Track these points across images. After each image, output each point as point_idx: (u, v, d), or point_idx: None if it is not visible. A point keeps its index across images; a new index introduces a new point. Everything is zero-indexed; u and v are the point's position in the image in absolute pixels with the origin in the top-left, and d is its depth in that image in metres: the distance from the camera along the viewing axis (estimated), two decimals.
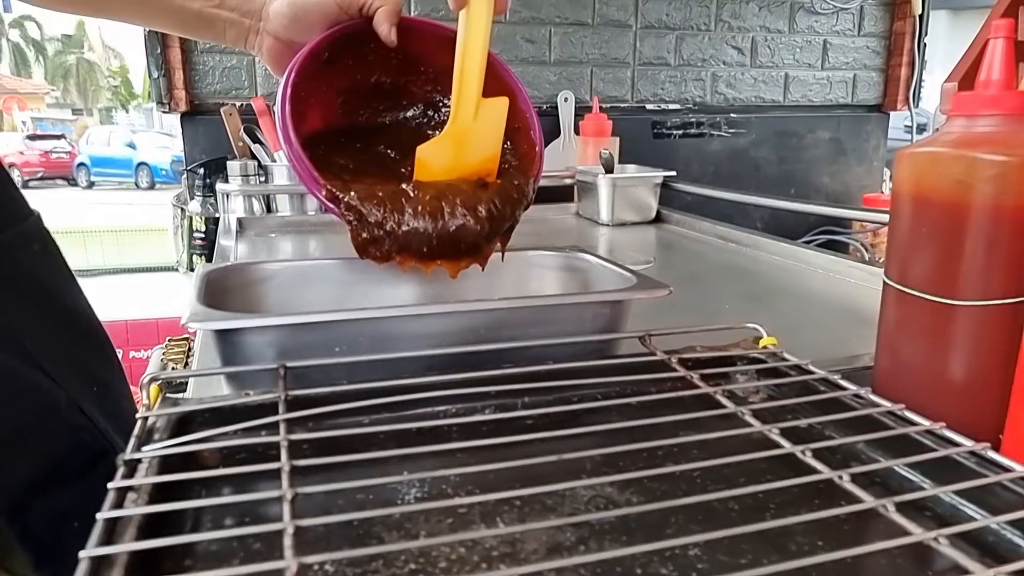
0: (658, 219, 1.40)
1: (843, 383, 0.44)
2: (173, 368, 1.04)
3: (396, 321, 0.49)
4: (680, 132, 1.86)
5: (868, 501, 0.31)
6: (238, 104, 1.51)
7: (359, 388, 0.42)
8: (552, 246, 0.68)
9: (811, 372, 0.46)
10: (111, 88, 25.32)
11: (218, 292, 0.55)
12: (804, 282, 0.95)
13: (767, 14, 1.89)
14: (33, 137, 14.47)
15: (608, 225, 1.36)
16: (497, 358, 0.47)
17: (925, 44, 1.93)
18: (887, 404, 0.41)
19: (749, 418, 0.40)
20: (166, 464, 0.35)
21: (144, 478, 0.33)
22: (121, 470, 0.33)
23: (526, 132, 0.63)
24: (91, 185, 13.77)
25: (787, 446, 0.36)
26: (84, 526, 0.27)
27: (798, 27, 1.92)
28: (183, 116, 1.55)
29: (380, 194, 0.54)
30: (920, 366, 0.44)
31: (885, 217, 1.17)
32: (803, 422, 0.41)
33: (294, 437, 0.36)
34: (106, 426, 0.60)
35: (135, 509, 0.30)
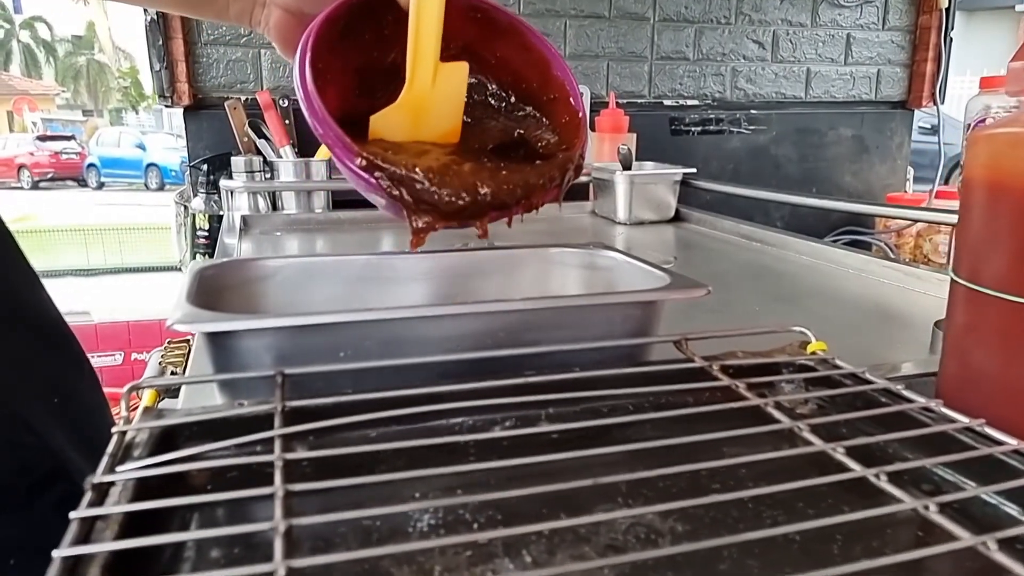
0: (677, 217, 1.35)
1: (908, 394, 0.39)
2: (173, 373, 1.00)
3: (407, 323, 0.45)
4: (699, 129, 1.81)
5: (965, 538, 0.27)
6: (243, 98, 1.47)
7: (365, 398, 0.37)
8: (573, 243, 0.64)
9: (870, 382, 0.41)
10: (121, 89, 25.46)
11: (213, 291, 0.50)
12: (834, 283, 0.90)
13: (789, 7, 1.84)
14: (43, 138, 14.57)
15: (625, 224, 1.31)
16: (517, 364, 0.43)
17: (951, 39, 1.87)
18: (964, 419, 0.36)
19: (808, 435, 0.35)
20: (143, 487, 0.30)
21: (115, 505, 0.28)
22: (88, 495, 0.28)
23: (564, 102, 0.57)
24: (101, 186, 13.85)
25: (857, 469, 0.32)
26: (24, 561, 0.22)
27: (821, 20, 1.87)
28: (186, 111, 1.51)
29: (431, 166, 0.48)
30: (996, 375, 0.39)
31: (914, 214, 1.12)
32: (868, 440, 0.36)
33: (291, 456, 0.31)
34: (64, 444, 0.53)
35: (101, 545, 0.26)
